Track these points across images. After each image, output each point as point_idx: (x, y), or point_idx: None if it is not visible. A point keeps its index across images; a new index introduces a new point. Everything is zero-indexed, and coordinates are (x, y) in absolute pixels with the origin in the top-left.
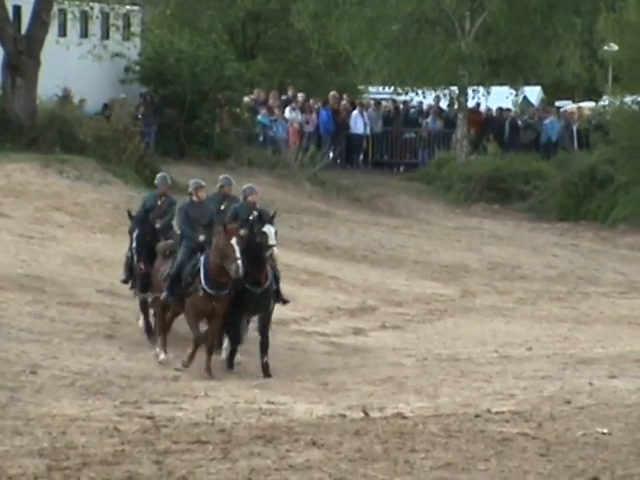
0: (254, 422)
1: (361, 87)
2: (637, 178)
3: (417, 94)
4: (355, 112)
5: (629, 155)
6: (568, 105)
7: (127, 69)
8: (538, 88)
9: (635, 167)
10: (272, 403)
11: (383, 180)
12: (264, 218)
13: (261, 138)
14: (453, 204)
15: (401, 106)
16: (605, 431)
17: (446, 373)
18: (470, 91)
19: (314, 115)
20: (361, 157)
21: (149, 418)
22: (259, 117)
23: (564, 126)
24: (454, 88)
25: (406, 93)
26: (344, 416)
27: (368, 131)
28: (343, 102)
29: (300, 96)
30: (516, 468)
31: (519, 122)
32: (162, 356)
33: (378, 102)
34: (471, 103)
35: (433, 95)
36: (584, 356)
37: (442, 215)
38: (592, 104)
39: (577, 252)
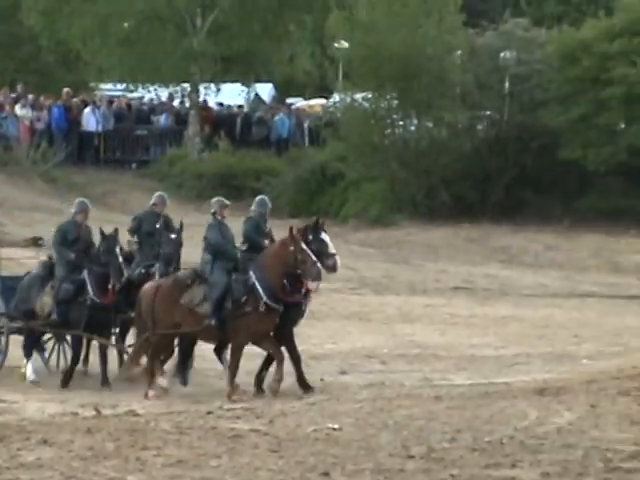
0: None
1: (93, 84)
2: (367, 174)
3: (149, 91)
4: (87, 109)
5: (359, 152)
6: (299, 102)
7: None
8: (270, 85)
9: (365, 164)
10: (3, 401)
11: (115, 177)
12: (319, 226)
13: None
14: (186, 201)
15: (134, 103)
16: (336, 426)
17: (178, 370)
18: (202, 88)
19: (45, 112)
20: (93, 154)
21: None
22: None
23: (295, 123)
24: (186, 85)
25: (138, 90)
26: (76, 414)
27: (100, 128)
28: (75, 99)
29: (31, 97)
30: (247, 464)
31: (252, 119)
32: (165, 382)
33: (110, 99)
34: (204, 100)
35: (166, 92)
36: (315, 352)
37: (174, 212)
38: (323, 101)
39: None
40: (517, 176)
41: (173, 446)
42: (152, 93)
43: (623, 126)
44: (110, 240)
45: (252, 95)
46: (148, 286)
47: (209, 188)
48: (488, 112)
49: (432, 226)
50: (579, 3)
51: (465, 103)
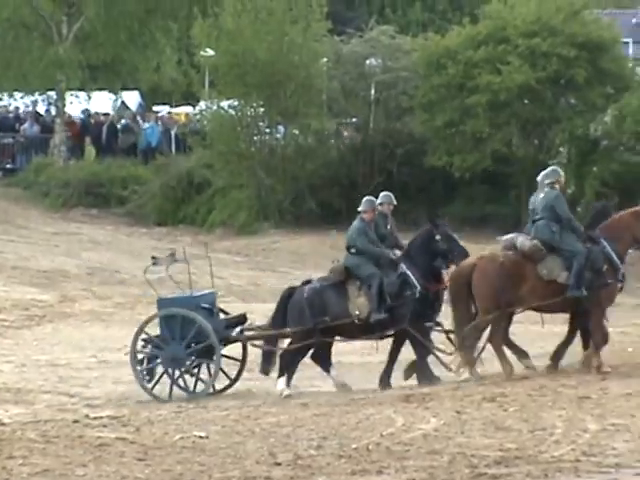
0: None
1: None
2: (234, 182)
3: (15, 99)
4: None
5: (226, 159)
6: (165, 110)
7: None
8: (136, 93)
9: (231, 171)
10: None
11: None
12: None
13: None
14: (52, 209)
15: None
16: (202, 434)
17: (45, 379)
18: (68, 96)
19: None
20: None
21: None
22: None
23: (163, 131)
24: (52, 93)
25: (9, 97)
26: None
27: None
28: None
29: None
30: (114, 473)
31: (118, 127)
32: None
33: None
34: (71, 108)
35: (32, 100)
36: None
37: (40, 220)
38: (189, 109)
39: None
40: (383, 183)
41: (39, 455)
42: (18, 101)
43: (488, 133)
44: (442, 226)
45: (119, 103)
46: (480, 261)
47: (75, 196)
48: (354, 119)
49: (298, 233)
50: (444, 10)
51: (331, 110)
